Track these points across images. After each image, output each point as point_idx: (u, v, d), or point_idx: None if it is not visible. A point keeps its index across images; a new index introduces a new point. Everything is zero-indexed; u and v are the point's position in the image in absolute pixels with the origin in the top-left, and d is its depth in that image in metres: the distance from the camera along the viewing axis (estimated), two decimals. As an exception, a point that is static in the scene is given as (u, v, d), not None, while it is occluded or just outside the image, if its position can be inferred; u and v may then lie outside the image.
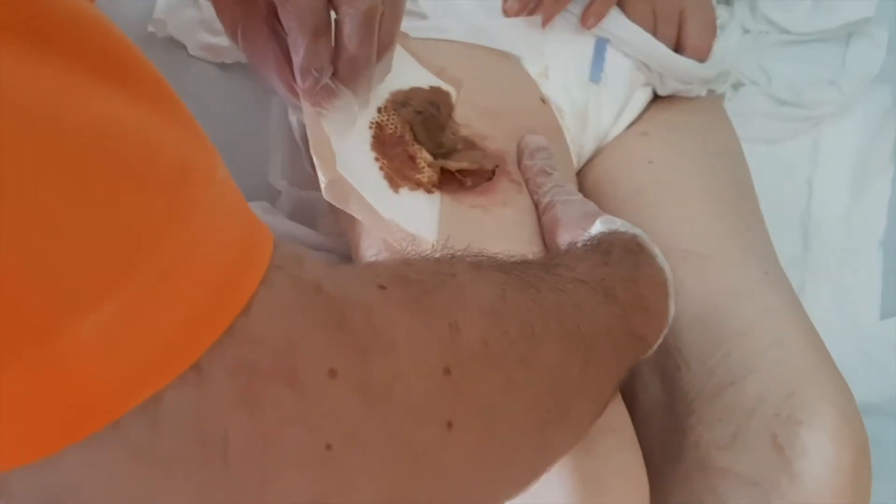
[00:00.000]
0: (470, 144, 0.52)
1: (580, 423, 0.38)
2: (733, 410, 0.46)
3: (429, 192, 0.49)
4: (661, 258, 0.44)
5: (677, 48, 0.63)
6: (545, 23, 0.59)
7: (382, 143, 0.49)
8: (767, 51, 0.78)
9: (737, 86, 0.77)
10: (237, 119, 0.75)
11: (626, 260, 0.43)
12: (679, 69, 0.62)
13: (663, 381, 0.51)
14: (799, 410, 0.45)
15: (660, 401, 0.51)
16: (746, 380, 0.46)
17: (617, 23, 0.61)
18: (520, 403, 0.31)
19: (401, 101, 0.52)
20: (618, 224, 0.46)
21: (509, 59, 0.59)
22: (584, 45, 0.61)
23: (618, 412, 0.43)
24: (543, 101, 0.59)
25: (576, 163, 0.62)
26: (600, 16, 0.59)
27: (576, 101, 0.60)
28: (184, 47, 0.74)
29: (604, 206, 0.58)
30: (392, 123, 0.50)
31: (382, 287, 0.28)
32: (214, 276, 0.22)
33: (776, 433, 0.45)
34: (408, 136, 0.50)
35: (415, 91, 0.53)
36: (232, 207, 0.24)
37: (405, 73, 0.53)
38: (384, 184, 0.48)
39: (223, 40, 0.73)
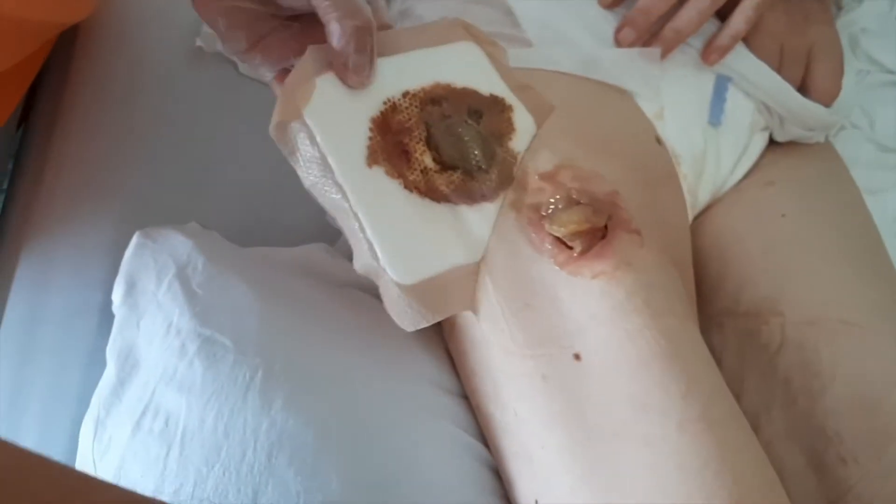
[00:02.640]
0: (571, 200, 0.44)
1: None
2: None
3: (407, 189, 0.43)
4: None
5: (801, 89, 0.56)
6: (665, 54, 0.52)
7: (386, 124, 0.43)
8: (869, 92, 0.72)
9: (837, 129, 0.71)
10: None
11: None
12: (806, 114, 0.56)
13: (821, 478, 0.44)
14: None
15: (816, 501, 0.44)
16: None
17: (741, 59, 0.54)
18: None
19: (435, 97, 0.45)
20: None
21: (623, 95, 0.52)
22: (703, 82, 0.54)
23: None
24: (659, 141, 0.52)
25: (690, 215, 0.54)
26: (725, 51, 0.53)
27: (694, 146, 0.53)
28: (234, 64, 0.67)
29: (730, 263, 0.52)
30: (408, 112, 0.44)
31: None
32: None
33: None
34: (416, 133, 0.44)
35: (465, 92, 0.46)
36: None
37: (471, 73, 0.47)
38: (361, 153, 0.42)
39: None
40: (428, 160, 0.43)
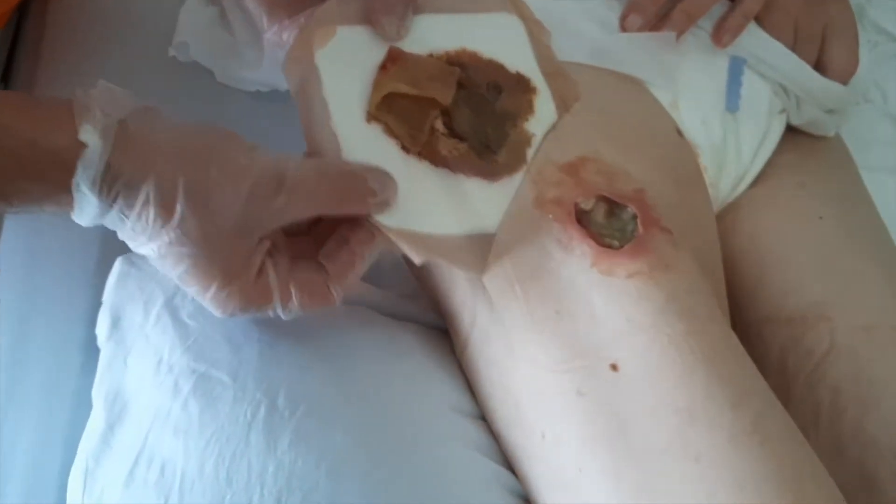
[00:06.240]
0: (611, 203, 0.41)
1: None
2: None
3: (404, 150, 0.41)
4: None
5: (816, 68, 0.53)
6: (679, 36, 0.48)
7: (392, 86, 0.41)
8: (880, 63, 0.69)
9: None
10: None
11: None
12: (823, 93, 0.53)
13: (871, 495, 0.41)
14: None
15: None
16: None
17: (755, 39, 0.51)
18: None
19: (459, 64, 0.43)
20: None
21: (637, 85, 0.49)
22: (716, 67, 0.51)
23: None
24: (680, 134, 0.49)
25: (714, 211, 0.51)
26: (738, 31, 0.50)
27: (712, 136, 0.50)
28: (211, 73, 0.63)
29: (769, 268, 0.50)
30: (421, 68, 0.41)
31: None
32: None
33: None
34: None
35: (490, 64, 0.43)
36: None
37: (504, 46, 0.44)
38: (363, 107, 0.41)
39: (259, 75, 0.61)
40: (438, 124, 0.41)
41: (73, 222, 0.55)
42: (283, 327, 0.44)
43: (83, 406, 0.45)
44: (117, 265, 0.47)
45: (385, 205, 0.38)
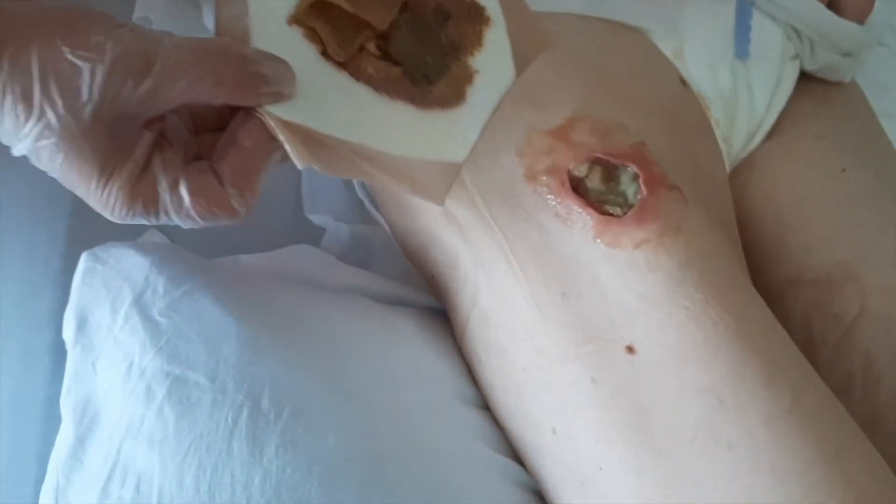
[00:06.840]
0: (605, 165, 0.37)
1: None
2: None
3: (324, 56, 0.36)
4: None
5: (830, 8, 0.49)
6: None
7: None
8: (893, 4, 0.65)
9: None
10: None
11: None
12: (839, 34, 0.49)
13: None
14: None
15: None
16: None
17: (764, -22, 0.47)
18: None
19: None
20: None
21: (637, 35, 0.45)
22: (723, 11, 0.47)
23: None
24: (684, 83, 0.45)
25: (727, 168, 0.47)
26: (744, -29, 0.45)
27: (722, 86, 0.46)
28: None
29: (790, 226, 0.46)
30: None
31: None
32: None
33: None
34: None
35: None
36: None
37: None
38: (287, 10, 0.37)
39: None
40: (371, 46, 0.38)
41: (36, 217, 0.52)
42: (264, 320, 0.41)
43: (54, 417, 0.41)
44: (82, 261, 0.43)
45: (279, 96, 0.33)
